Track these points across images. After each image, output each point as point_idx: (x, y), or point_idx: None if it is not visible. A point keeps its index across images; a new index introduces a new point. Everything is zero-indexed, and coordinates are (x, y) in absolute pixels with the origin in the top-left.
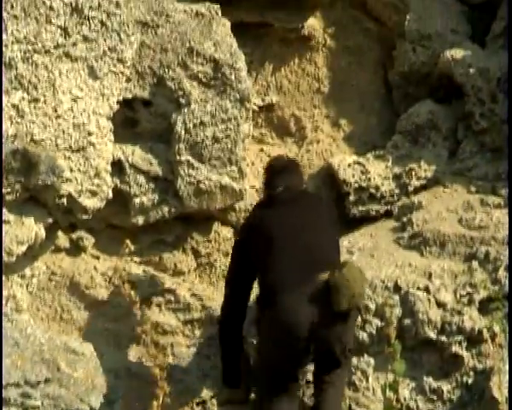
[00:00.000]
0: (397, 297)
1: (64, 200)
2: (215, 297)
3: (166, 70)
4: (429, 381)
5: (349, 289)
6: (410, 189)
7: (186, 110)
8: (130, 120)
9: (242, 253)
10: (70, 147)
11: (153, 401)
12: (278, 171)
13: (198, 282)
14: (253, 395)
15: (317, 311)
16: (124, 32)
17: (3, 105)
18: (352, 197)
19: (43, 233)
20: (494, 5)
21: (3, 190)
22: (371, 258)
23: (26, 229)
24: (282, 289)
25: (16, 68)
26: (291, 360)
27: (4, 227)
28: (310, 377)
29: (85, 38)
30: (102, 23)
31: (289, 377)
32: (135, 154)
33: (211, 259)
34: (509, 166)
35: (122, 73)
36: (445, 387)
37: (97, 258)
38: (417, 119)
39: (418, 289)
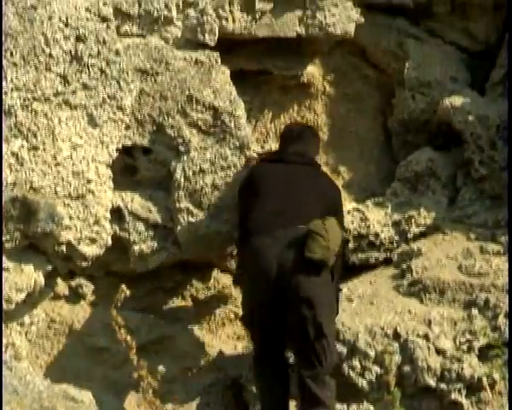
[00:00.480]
0: (396, 344)
1: (63, 247)
2: (214, 344)
3: (166, 117)
4: None
5: (325, 240)
6: (410, 236)
7: (185, 158)
8: (129, 168)
9: (239, 199)
10: (69, 194)
11: None
12: (291, 136)
13: (197, 329)
14: None
15: (289, 256)
16: (123, 79)
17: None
18: (351, 245)
19: (42, 280)
20: (493, 53)
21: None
22: (371, 305)
23: (26, 276)
24: (258, 232)
25: (16, 116)
26: (264, 298)
27: (3, 275)
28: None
29: (85, 86)
30: (102, 71)
31: (268, 319)
32: (134, 201)
33: (210, 306)
34: (508, 213)
35: (121, 120)
36: None
37: (96, 305)
38: (416, 166)
39: (418, 336)
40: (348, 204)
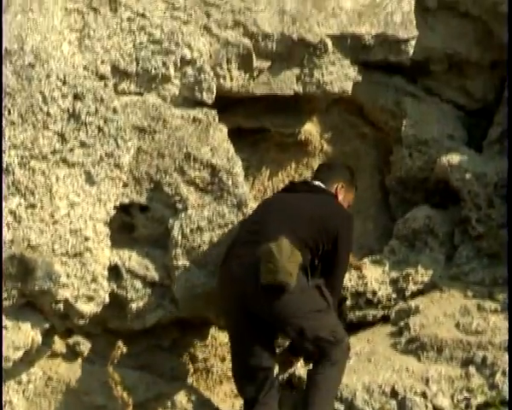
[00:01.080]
0: (394, 402)
1: (61, 305)
2: (212, 402)
3: (163, 175)
4: None
5: (273, 264)
6: (407, 293)
7: (183, 215)
8: (126, 225)
9: None
10: (67, 252)
11: None
12: (321, 167)
13: (194, 387)
14: None
15: (252, 282)
16: (121, 137)
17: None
18: (348, 302)
19: (39, 338)
20: (490, 111)
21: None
22: (368, 363)
23: (23, 334)
24: (234, 253)
25: (13, 174)
26: (234, 316)
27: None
28: None
29: (82, 144)
30: (99, 129)
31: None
32: (131, 259)
33: (208, 364)
34: (508, 273)
35: (119, 178)
36: None
37: (93, 363)
38: (414, 224)
39: (415, 394)
40: None
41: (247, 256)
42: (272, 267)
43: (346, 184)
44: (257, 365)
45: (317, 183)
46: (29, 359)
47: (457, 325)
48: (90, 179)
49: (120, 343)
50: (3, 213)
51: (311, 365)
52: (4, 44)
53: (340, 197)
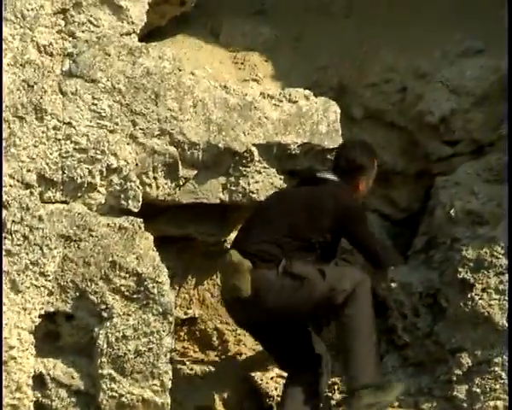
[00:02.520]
0: None
1: None
2: None
3: (89, 283)
4: None
5: (226, 278)
6: (333, 402)
7: (108, 324)
8: (52, 334)
9: None
10: None
11: None
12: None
13: None
14: None
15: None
16: (46, 245)
17: None
18: None
19: None
20: (415, 221)
21: None
22: None
23: None
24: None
25: None
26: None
27: None
28: None
29: (8, 252)
30: (25, 237)
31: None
32: (56, 367)
33: None
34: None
35: (44, 286)
36: None
37: None
38: None
39: None
40: (271, 371)
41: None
42: (223, 285)
43: (367, 176)
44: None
45: (325, 175)
46: None
47: None
48: (14, 288)
49: None
50: None
51: None
52: None
53: (362, 188)
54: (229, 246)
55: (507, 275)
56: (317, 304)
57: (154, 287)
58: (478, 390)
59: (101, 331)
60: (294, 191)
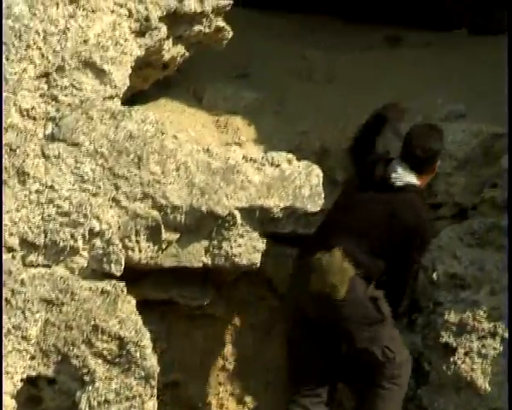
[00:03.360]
0: None
1: None
2: None
3: (71, 348)
4: None
5: (320, 275)
6: None
7: (90, 388)
8: (34, 398)
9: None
10: None
11: None
12: (413, 150)
13: None
14: None
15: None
16: (28, 309)
17: None
18: None
19: None
20: None
21: None
22: None
23: None
24: (302, 254)
25: None
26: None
27: None
28: None
29: None
30: (7, 301)
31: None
32: None
33: None
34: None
35: (26, 350)
36: None
37: None
38: None
39: None
40: None
41: (305, 263)
42: (319, 278)
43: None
44: (312, 368)
45: (398, 176)
46: None
47: None
48: None
49: None
50: None
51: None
52: None
53: (424, 182)
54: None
55: (489, 339)
56: (371, 348)
57: (136, 351)
58: None
59: (83, 395)
60: (375, 198)
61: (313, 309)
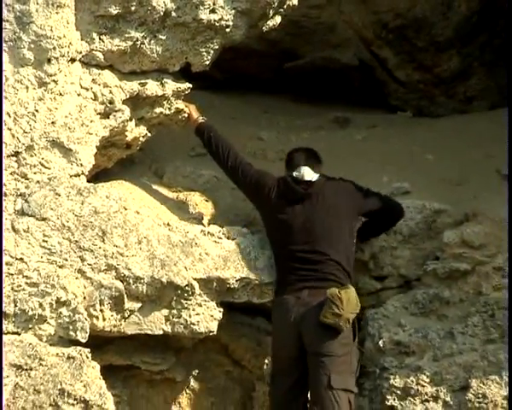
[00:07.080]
0: None
1: None
2: None
3: None
4: None
5: (339, 308)
6: None
7: None
8: None
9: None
10: None
11: None
12: (306, 155)
13: None
14: None
15: (310, 316)
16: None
17: None
18: None
19: None
20: None
21: None
22: None
23: None
24: (288, 283)
25: None
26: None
27: None
28: None
29: None
30: None
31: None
32: None
33: None
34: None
35: None
36: None
37: None
38: None
39: None
40: None
41: (306, 295)
42: (337, 312)
43: None
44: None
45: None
46: None
47: None
48: None
49: None
50: None
51: None
52: None
53: None
54: (170, 374)
55: (432, 402)
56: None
57: None
58: None
59: None
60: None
61: (314, 338)
